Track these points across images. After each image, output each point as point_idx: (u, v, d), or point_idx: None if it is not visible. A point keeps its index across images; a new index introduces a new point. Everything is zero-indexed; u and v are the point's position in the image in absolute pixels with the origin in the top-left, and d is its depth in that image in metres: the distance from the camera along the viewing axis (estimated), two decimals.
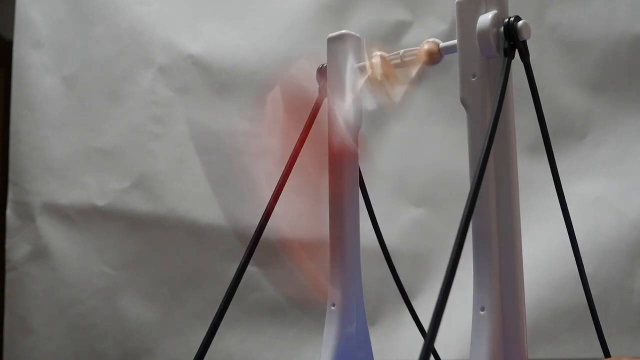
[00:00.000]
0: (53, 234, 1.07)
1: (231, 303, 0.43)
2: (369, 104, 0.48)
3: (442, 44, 0.44)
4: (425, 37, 0.45)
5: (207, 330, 0.42)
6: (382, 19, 1.01)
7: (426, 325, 0.32)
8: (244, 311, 0.99)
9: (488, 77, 0.40)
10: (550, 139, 0.44)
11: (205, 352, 0.42)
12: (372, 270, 0.72)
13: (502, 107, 0.38)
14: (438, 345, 0.41)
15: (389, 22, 1.01)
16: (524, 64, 0.41)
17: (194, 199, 1.04)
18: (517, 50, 0.40)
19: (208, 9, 1.08)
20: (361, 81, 0.47)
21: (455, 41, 0.42)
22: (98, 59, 1.10)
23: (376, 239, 0.53)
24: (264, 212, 0.46)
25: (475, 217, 0.39)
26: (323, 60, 0.50)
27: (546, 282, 0.88)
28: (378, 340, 0.62)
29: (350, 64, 0.48)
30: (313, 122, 0.49)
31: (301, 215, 0.48)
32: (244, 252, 0.44)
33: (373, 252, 0.54)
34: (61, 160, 1.08)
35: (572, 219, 0.45)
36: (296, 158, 0.48)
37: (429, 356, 0.29)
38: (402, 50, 0.46)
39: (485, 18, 0.40)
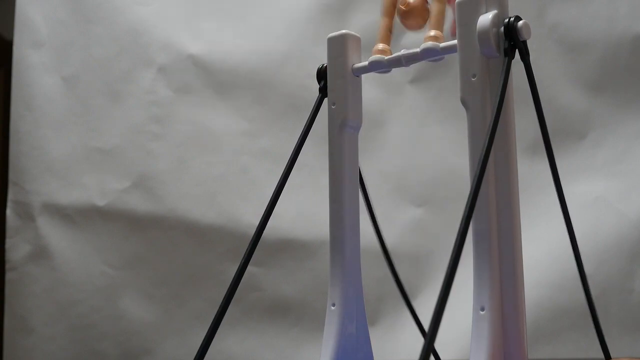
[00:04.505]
0: (53, 234, 1.07)
1: (231, 303, 0.43)
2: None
3: (442, 44, 0.44)
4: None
5: (207, 330, 0.42)
6: None
7: (426, 325, 0.32)
8: (244, 311, 0.99)
9: (488, 77, 0.40)
10: (550, 139, 0.44)
11: (205, 352, 0.42)
12: (372, 270, 0.72)
13: (502, 107, 0.38)
14: (438, 345, 0.41)
15: None
16: (524, 64, 0.41)
17: (194, 199, 1.04)
18: (517, 50, 0.40)
19: (208, 8, 1.08)
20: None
21: (455, 41, 0.42)
22: (98, 59, 1.10)
23: (376, 239, 0.53)
24: (264, 212, 0.46)
25: (475, 217, 0.39)
26: (323, 60, 0.50)
27: (546, 282, 0.88)
28: (378, 340, 0.62)
29: (350, 63, 0.48)
30: (313, 122, 0.49)
31: None
32: (244, 252, 0.44)
33: (373, 252, 0.54)
34: (61, 160, 1.08)
35: (572, 219, 0.45)
36: (296, 158, 0.47)
37: (429, 356, 0.29)
38: None
39: (486, 18, 0.40)
